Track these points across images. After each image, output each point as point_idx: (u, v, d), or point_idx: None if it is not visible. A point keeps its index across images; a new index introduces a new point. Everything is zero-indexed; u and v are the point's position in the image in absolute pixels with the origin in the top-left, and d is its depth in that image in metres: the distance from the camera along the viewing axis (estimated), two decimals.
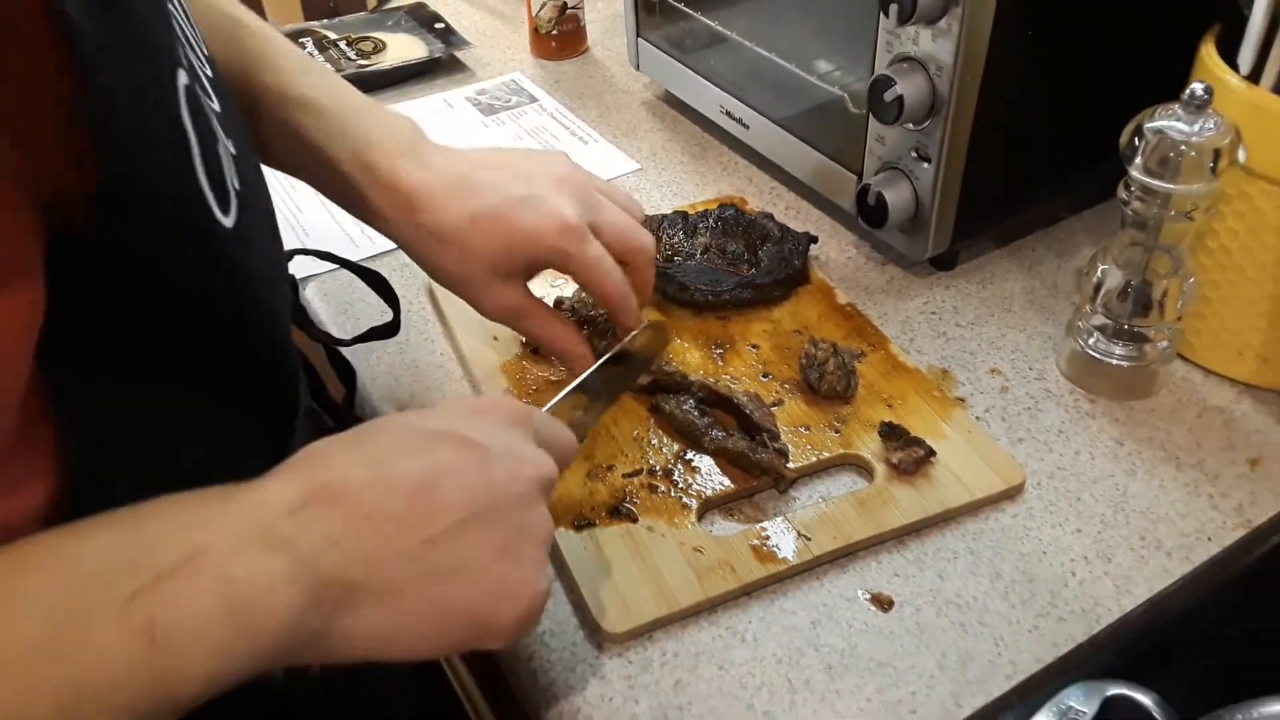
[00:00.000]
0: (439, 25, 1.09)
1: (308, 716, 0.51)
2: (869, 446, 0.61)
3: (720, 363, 0.67)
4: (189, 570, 0.32)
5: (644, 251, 0.58)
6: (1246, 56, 0.59)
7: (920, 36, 0.65)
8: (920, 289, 0.74)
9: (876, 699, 0.50)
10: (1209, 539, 0.56)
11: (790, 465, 0.60)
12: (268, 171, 0.52)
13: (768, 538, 0.56)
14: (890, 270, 0.76)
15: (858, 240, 0.79)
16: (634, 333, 0.60)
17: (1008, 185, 0.73)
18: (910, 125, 0.68)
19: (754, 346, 0.68)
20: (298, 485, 0.36)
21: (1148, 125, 0.57)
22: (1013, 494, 0.59)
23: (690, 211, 0.77)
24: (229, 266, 0.38)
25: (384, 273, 0.66)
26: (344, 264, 0.66)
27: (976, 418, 0.64)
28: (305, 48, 1.05)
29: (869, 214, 0.72)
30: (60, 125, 0.29)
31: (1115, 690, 0.45)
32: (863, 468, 0.61)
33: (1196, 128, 0.56)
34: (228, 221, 0.38)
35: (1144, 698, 0.45)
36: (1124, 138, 0.58)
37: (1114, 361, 0.65)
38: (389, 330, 0.65)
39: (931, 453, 0.59)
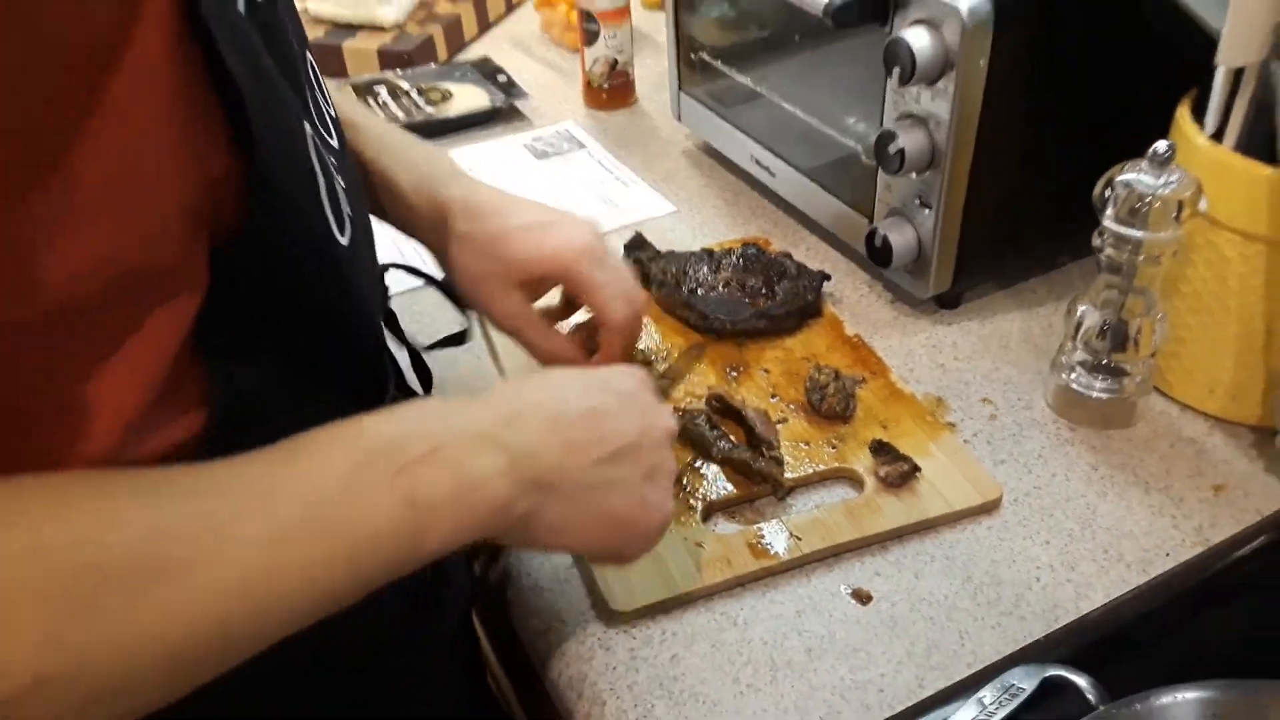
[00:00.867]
0: (501, 78, 1.19)
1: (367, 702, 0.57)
2: (862, 462, 0.67)
3: (734, 384, 0.75)
4: (434, 459, 0.41)
5: (632, 319, 0.63)
6: (1211, 118, 0.65)
7: (921, 96, 0.72)
8: (925, 325, 0.81)
9: (849, 678, 0.56)
10: (1167, 554, 0.62)
11: (788, 475, 0.66)
12: None
13: (763, 537, 0.63)
14: (899, 307, 0.83)
15: (870, 280, 0.86)
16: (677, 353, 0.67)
17: (1005, 232, 0.79)
18: (913, 175, 0.75)
19: (765, 371, 0.76)
20: (507, 407, 0.47)
21: (1118, 179, 0.64)
22: (990, 508, 0.65)
23: (716, 249, 0.85)
24: (343, 277, 0.47)
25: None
26: (428, 279, 0.75)
27: (964, 441, 0.70)
28: (380, 95, 1.16)
29: (876, 255, 0.79)
30: (230, 179, 0.38)
31: (1054, 672, 0.51)
32: (855, 480, 0.67)
33: (1161, 181, 0.63)
34: (344, 241, 0.47)
35: (1079, 679, 0.50)
36: (1097, 190, 0.65)
37: (1094, 394, 0.70)
38: (460, 339, 0.74)
39: (916, 468, 0.66)
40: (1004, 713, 0.49)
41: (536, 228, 0.61)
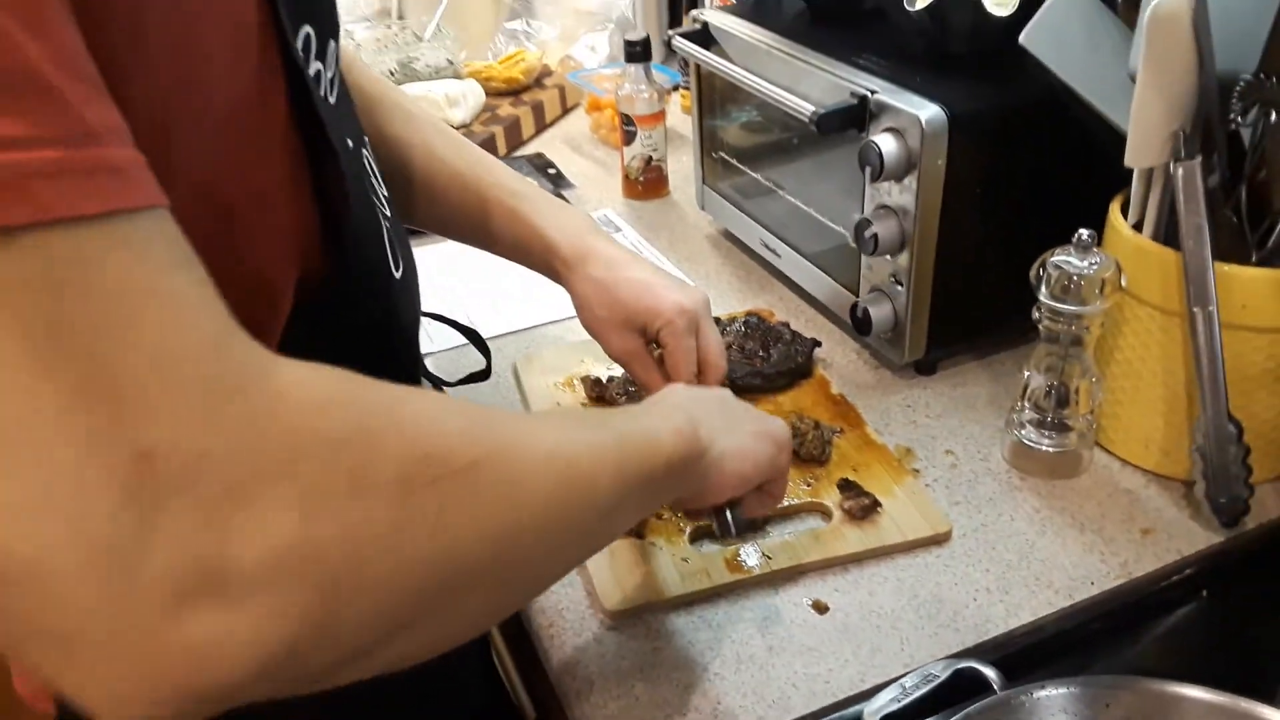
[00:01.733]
0: (551, 170, 1.35)
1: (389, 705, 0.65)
2: (832, 498, 0.78)
3: None
4: (646, 419, 0.55)
5: (718, 369, 0.77)
6: (1133, 211, 0.76)
7: (893, 190, 0.85)
8: (902, 387, 0.92)
9: (802, 672, 0.66)
10: (1092, 583, 0.71)
11: None
12: None
13: (739, 555, 0.73)
14: (881, 372, 0.94)
15: (858, 348, 0.97)
16: None
17: (970, 308, 0.90)
18: (888, 257, 0.87)
19: None
20: (685, 393, 0.62)
21: (1050, 261, 0.75)
22: (940, 540, 0.75)
23: (724, 318, 0.98)
24: (396, 307, 0.60)
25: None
26: (452, 324, 0.88)
27: (926, 485, 0.80)
28: None
29: (859, 325, 0.90)
30: (315, 229, 0.51)
31: (966, 664, 0.60)
32: (824, 513, 0.78)
33: (1086, 263, 0.74)
34: (398, 274, 0.60)
35: (989, 671, 0.60)
36: (1033, 270, 0.76)
37: (1043, 448, 0.80)
38: (482, 376, 0.87)
39: (878, 503, 0.76)
40: (919, 694, 0.59)
41: (650, 283, 0.74)
